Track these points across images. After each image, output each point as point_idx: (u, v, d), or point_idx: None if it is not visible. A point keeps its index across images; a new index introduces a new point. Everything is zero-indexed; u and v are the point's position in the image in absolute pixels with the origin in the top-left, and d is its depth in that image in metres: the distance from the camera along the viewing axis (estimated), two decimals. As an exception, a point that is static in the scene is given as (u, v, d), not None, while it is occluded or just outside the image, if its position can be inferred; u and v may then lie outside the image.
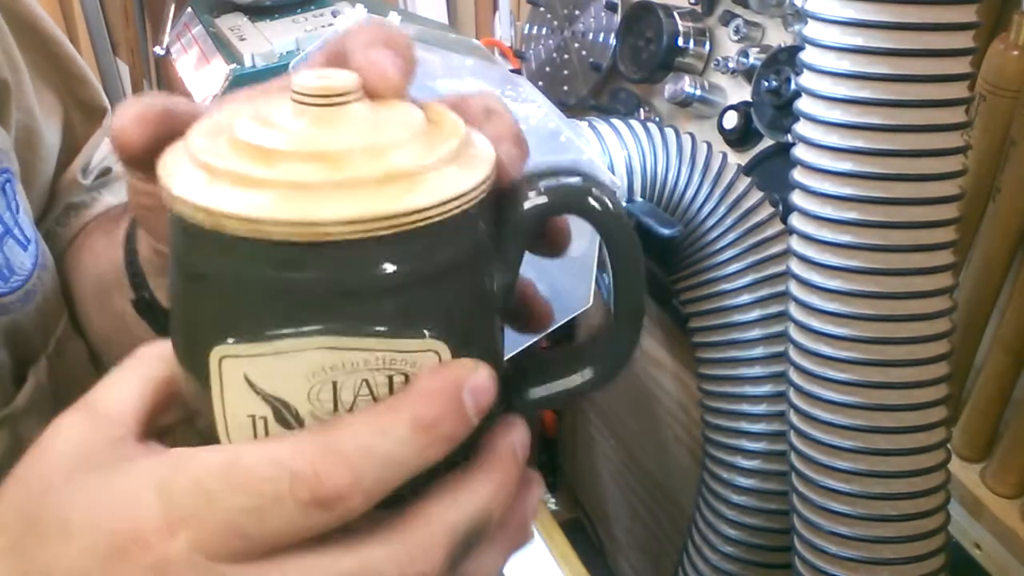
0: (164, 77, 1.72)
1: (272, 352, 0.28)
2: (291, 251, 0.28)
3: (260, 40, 1.21)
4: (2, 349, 0.49)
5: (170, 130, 0.34)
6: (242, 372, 0.29)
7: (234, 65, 1.16)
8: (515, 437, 0.32)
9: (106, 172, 0.64)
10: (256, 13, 1.27)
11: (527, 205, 0.32)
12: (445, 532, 0.29)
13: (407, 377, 0.29)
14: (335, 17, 1.22)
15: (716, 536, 0.82)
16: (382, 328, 0.29)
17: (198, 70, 1.24)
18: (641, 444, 1.14)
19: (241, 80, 1.15)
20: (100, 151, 0.65)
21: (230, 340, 0.29)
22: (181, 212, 0.29)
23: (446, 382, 0.29)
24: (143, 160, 0.33)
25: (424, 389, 0.28)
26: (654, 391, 1.07)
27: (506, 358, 0.34)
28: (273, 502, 0.27)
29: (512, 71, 1.09)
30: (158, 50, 1.37)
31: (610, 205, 0.32)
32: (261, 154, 0.29)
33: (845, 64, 0.55)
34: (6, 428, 0.49)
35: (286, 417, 0.29)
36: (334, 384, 0.29)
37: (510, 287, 0.33)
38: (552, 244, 0.34)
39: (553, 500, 1.38)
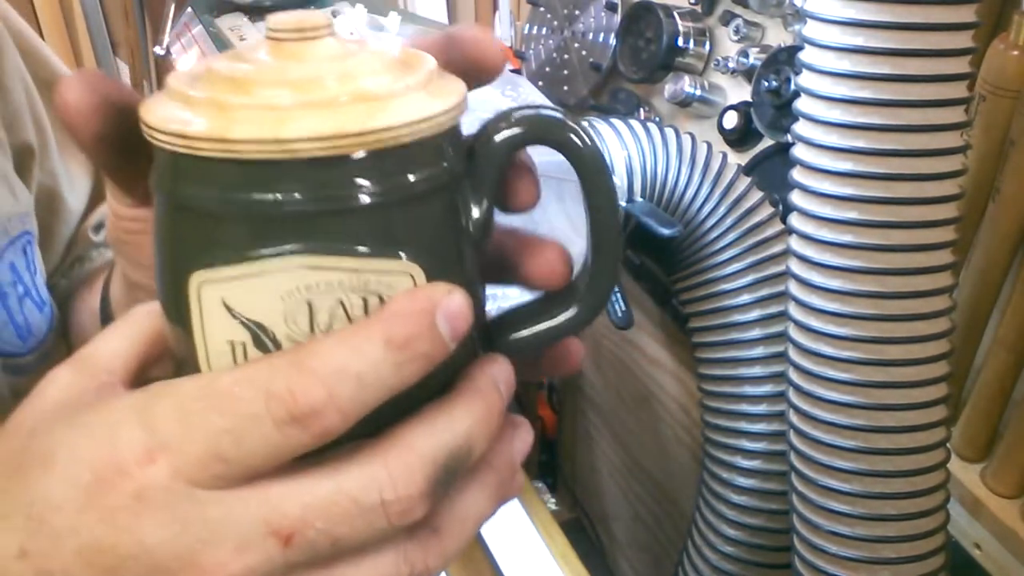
0: (164, 77, 1.72)
1: (247, 274, 0.29)
2: (263, 170, 0.28)
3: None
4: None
5: (118, 97, 0.33)
6: (220, 297, 0.29)
7: (234, 65, 1.16)
8: (496, 370, 0.32)
9: None
10: (256, 13, 1.27)
11: (500, 136, 0.32)
12: (423, 457, 0.29)
13: (381, 299, 0.30)
14: (335, 17, 1.22)
15: (716, 536, 0.82)
16: (357, 248, 0.29)
17: (198, 70, 1.24)
18: (641, 444, 1.14)
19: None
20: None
21: (207, 265, 0.29)
22: (158, 140, 0.29)
23: (419, 303, 0.29)
24: (93, 132, 0.33)
25: (397, 309, 0.29)
26: (654, 391, 1.07)
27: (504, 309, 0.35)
28: (250, 421, 0.27)
29: (512, 71, 1.09)
30: (158, 50, 1.37)
31: (584, 137, 0.32)
32: (234, 83, 0.29)
33: (845, 64, 0.55)
34: None
35: (264, 341, 0.29)
36: (309, 305, 0.29)
37: (486, 223, 0.33)
38: (515, 192, 0.34)
39: (553, 500, 1.38)
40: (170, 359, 0.33)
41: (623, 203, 0.80)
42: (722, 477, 0.81)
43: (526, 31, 1.17)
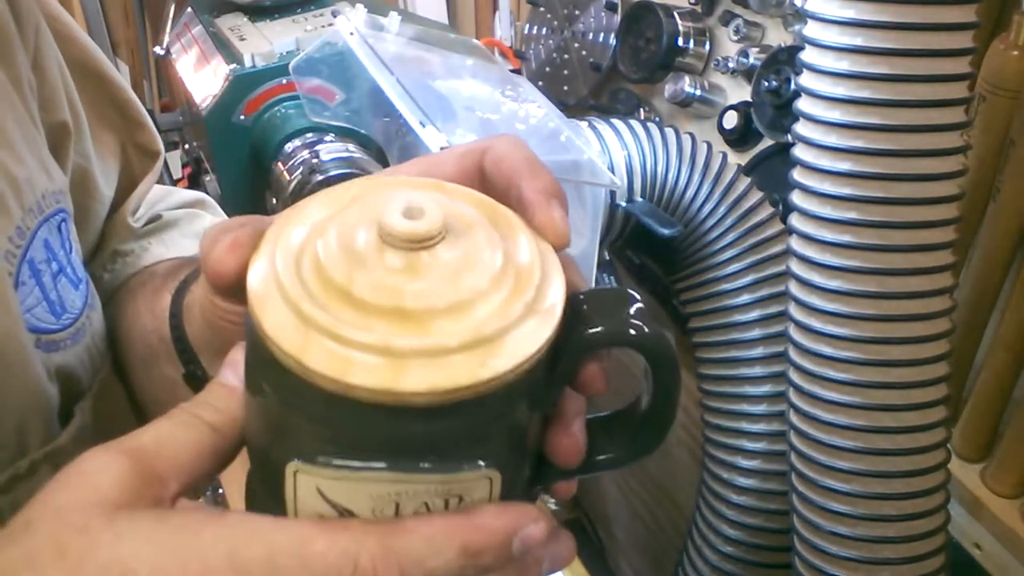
0: (164, 77, 1.72)
1: (342, 477, 0.31)
2: (376, 412, 0.29)
3: (260, 40, 1.21)
4: (53, 384, 0.51)
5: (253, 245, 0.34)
6: (315, 485, 0.31)
7: (234, 65, 1.16)
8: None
9: (156, 219, 0.66)
10: (256, 13, 1.27)
11: (586, 338, 0.33)
12: None
13: (461, 498, 0.32)
14: (335, 17, 1.22)
15: (716, 536, 0.82)
16: (444, 465, 0.31)
17: (198, 70, 1.24)
18: (641, 444, 1.14)
19: (241, 80, 1.15)
20: (150, 195, 0.67)
21: (306, 460, 0.31)
22: (274, 352, 0.30)
23: (504, 524, 0.31)
24: (236, 287, 0.34)
25: (483, 524, 0.31)
26: (654, 391, 1.07)
27: None
28: None
29: (512, 71, 1.09)
30: (158, 50, 1.37)
31: (659, 341, 0.34)
32: (350, 303, 0.30)
33: (845, 64, 0.55)
34: (49, 464, 0.50)
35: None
36: (396, 505, 0.31)
37: (555, 403, 0.35)
38: (585, 385, 0.36)
39: (553, 500, 1.37)
40: (214, 476, 0.35)
41: (623, 203, 0.80)
42: (722, 477, 0.81)
43: (526, 31, 1.17)
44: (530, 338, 0.30)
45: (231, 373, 0.35)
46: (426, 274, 0.31)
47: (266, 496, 0.33)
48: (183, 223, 0.66)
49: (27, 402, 0.49)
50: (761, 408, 0.78)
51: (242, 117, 1.16)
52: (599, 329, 0.33)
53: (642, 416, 0.37)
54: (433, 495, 0.31)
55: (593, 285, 0.77)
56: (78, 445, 0.52)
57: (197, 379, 0.47)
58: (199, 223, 0.67)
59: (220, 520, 0.31)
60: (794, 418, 0.64)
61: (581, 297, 0.34)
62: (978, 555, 0.71)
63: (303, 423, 0.31)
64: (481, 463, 0.31)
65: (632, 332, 0.34)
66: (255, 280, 0.31)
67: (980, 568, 0.71)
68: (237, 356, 0.35)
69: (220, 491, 0.83)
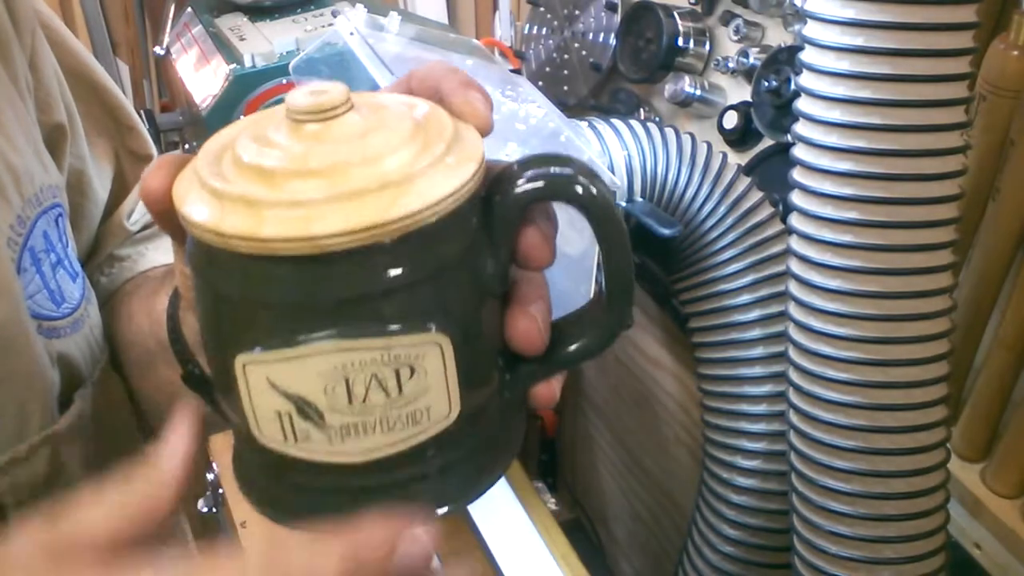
0: (164, 77, 1.72)
1: (287, 358, 0.31)
2: (295, 265, 0.30)
3: (260, 40, 1.21)
4: (54, 370, 0.52)
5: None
6: (264, 376, 0.31)
7: (234, 65, 1.16)
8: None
9: (152, 224, 0.66)
10: (256, 13, 1.27)
11: (516, 191, 0.33)
12: None
13: (412, 370, 0.31)
14: (335, 17, 1.22)
15: (716, 536, 0.82)
16: (389, 327, 0.31)
17: (198, 70, 1.24)
18: (641, 444, 1.14)
19: (241, 80, 1.15)
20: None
21: (251, 349, 0.31)
22: (196, 235, 0.31)
23: (382, 537, 0.31)
24: (169, 208, 0.34)
25: (363, 540, 0.31)
26: (654, 391, 1.07)
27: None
28: None
29: (512, 71, 1.09)
30: (158, 50, 1.37)
31: (595, 192, 0.34)
32: (262, 174, 0.31)
33: (845, 64, 0.55)
34: (48, 448, 0.51)
35: (307, 412, 0.32)
36: (347, 380, 0.31)
37: (504, 275, 0.35)
38: (528, 251, 0.35)
39: (553, 500, 1.37)
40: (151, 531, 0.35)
41: (623, 203, 0.80)
42: (722, 477, 0.81)
43: (526, 31, 1.17)
44: (441, 183, 0.31)
45: (175, 436, 0.35)
46: (333, 139, 0.32)
47: (235, 416, 0.34)
48: None
49: (29, 386, 0.50)
50: (761, 408, 0.78)
51: (242, 117, 1.15)
52: (525, 185, 0.33)
53: (606, 298, 0.37)
54: (381, 365, 0.31)
55: (592, 285, 0.77)
56: (76, 432, 0.53)
57: (196, 378, 0.48)
58: None
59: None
60: (794, 418, 0.64)
61: (515, 163, 0.34)
62: (978, 555, 0.71)
63: (238, 310, 0.32)
64: (431, 325, 0.31)
65: (558, 184, 0.34)
66: (179, 183, 0.33)
67: (980, 568, 0.71)
68: (182, 413, 0.35)
69: (221, 491, 0.83)
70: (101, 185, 0.63)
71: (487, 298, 0.34)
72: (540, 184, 0.33)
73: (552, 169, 0.34)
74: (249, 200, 0.30)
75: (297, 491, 0.35)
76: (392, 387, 0.31)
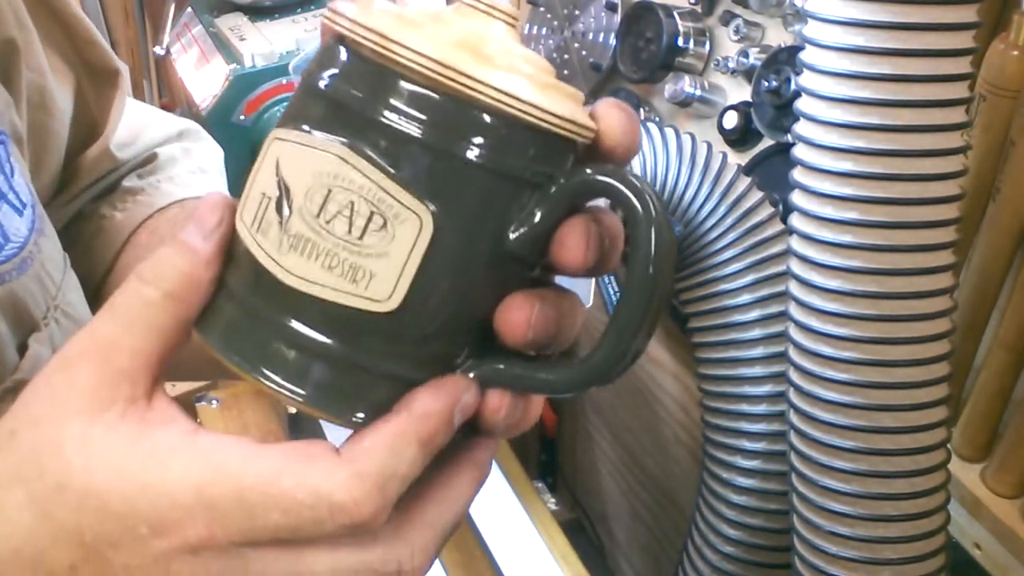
0: (164, 77, 1.72)
1: (300, 142, 0.32)
2: (378, 71, 0.31)
3: (260, 40, 1.21)
4: (1, 320, 0.47)
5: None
6: (277, 155, 0.33)
7: (234, 65, 1.16)
8: (485, 452, 0.36)
9: (152, 158, 0.64)
10: (256, 13, 1.27)
11: (580, 176, 0.33)
12: (438, 533, 0.34)
13: (385, 223, 0.31)
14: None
15: (716, 536, 0.82)
16: (391, 168, 0.31)
17: (198, 70, 1.24)
18: (641, 444, 1.14)
19: (241, 80, 1.15)
20: (135, 120, 0.65)
21: (285, 126, 0.33)
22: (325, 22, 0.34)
23: (443, 402, 0.32)
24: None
25: (425, 411, 0.32)
26: (654, 391, 1.07)
27: None
28: (312, 524, 0.31)
29: (512, 71, 1.09)
30: (158, 50, 1.37)
31: (654, 213, 0.32)
32: (399, 17, 0.32)
33: (845, 64, 0.55)
34: (11, 399, 0.47)
35: (282, 205, 0.33)
36: (328, 192, 0.32)
37: (528, 244, 0.33)
38: (562, 244, 0.34)
39: (553, 500, 1.37)
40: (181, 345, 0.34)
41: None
42: (722, 477, 0.81)
43: (526, 31, 1.17)
44: (532, 94, 0.31)
45: (195, 230, 0.34)
46: (487, 23, 0.33)
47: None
48: (180, 160, 0.65)
49: None
50: (761, 408, 0.78)
51: (242, 117, 1.16)
52: (593, 174, 0.33)
53: (603, 335, 0.36)
54: (364, 198, 0.31)
55: (592, 286, 0.77)
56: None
57: None
58: (198, 156, 0.66)
59: (190, 448, 0.32)
60: (794, 418, 0.64)
61: (603, 167, 0.33)
62: (978, 555, 0.71)
63: (303, 91, 0.34)
64: (427, 201, 0.31)
65: (619, 184, 0.32)
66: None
67: (980, 568, 0.71)
68: (204, 212, 0.35)
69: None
70: (65, 101, 0.58)
71: (496, 249, 0.33)
72: (604, 178, 0.33)
73: (624, 171, 0.33)
74: (388, 12, 0.32)
75: (234, 305, 0.34)
76: (358, 225, 0.31)
